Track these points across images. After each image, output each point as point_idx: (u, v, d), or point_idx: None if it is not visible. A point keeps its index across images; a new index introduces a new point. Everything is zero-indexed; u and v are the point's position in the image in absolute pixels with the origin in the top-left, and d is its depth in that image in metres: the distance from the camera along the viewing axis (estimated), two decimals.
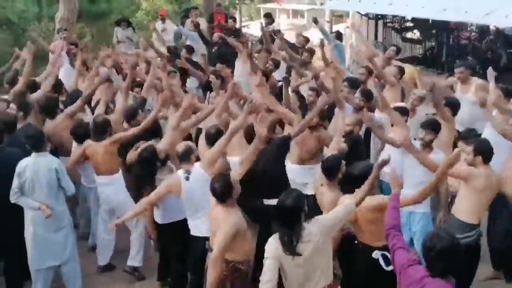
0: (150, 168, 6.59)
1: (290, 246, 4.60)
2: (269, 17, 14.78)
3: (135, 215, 6.30)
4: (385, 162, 5.33)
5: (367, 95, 8.01)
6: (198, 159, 6.38)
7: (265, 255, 4.72)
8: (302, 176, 7.47)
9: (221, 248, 5.15)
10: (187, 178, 6.05)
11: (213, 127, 6.89)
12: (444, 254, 3.95)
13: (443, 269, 3.99)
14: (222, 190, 5.25)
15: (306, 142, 7.49)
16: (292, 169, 7.49)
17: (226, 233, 5.14)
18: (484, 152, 5.89)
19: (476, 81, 8.86)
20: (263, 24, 13.43)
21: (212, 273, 5.18)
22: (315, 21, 12.32)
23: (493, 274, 7.02)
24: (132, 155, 7.02)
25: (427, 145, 6.58)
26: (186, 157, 6.22)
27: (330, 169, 5.98)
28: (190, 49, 12.11)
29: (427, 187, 5.32)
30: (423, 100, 8.24)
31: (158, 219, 6.57)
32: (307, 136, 7.47)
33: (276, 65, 10.74)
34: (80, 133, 7.39)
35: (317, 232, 4.67)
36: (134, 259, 7.34)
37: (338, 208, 5.01)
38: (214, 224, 5.37)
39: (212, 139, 6.64)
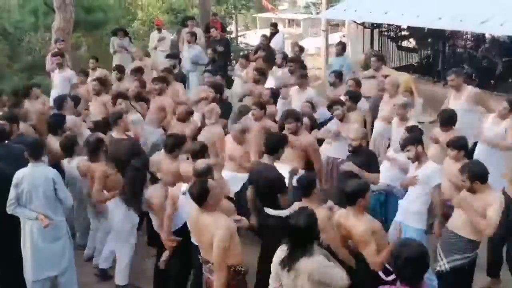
0: (141, 179, 6.60)
1: (290, 262, 4.73)
2: (275, 27, 14.89)
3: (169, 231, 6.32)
4: None
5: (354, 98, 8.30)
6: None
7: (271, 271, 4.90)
8: None
9: (222, 254, 5.14)
10: (183, 193, 6.09)
11: (198, 143, 6.99)
12: (409, 262, 4.13)
13: (409, 277, 4.18)
14: (198, 194, 5.28)
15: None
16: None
17: (223, 238, 5.14)
18: (480, 176, 5.85)
19: (468, 89, 8.87)
20: (269, 34, 13.71)
21: (219, 279, 5.17)
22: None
23: (490, 283, 7.02)
24: None
25: (417, 158, 6.62)
26: (205, 175, 6.09)
27: (305, 186, 6.04)
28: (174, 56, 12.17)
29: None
30: (406, 106, 8.28)
31: (157, 228, 6.54)
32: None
33: (263, 73, 10.76)
34: (68, 145, 7.43)
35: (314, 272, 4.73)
36: (120, 277, 7.22)
37: (334, 273, 4.89)
38: (204, 234, 5.33)
39: (197, 156, 6.63)
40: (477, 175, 5.83)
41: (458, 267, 5.97)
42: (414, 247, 4.19)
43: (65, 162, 7.59)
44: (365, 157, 7.14)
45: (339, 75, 10.53)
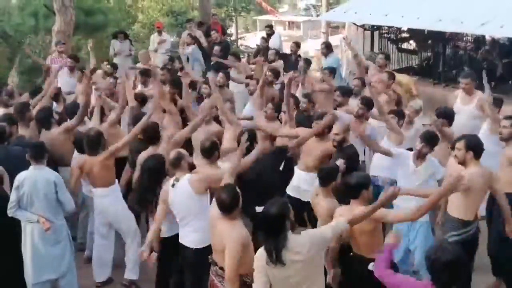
0: (158, 177, 6.45)
1: (273, 255, 4.55)
2: (270, 28, 14.89)
3: (154, 238, 6.17)
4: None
5: (368, 104, 8.04)
6: (192, 166, 6.34)
7: (254, 267, 4.72)
8: (306, 183, 7.44)
9: (234, 266, 5.00)
10: (173, 185, 6.02)
11: (207, 141, 6.70)
12: (448, 267, 4.00)
13: (447, 281, 4.05)
14: (230, 202, 5.12)
15: (311, 150, 7.51)
16: (298, 175, 7.58)
17: (235, 249, 5.01)
18: (475, 147, 5.93)
19: (479, 94, 8.79)
20: (265, 35, 13.63)
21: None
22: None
23: (494, 284, 7.01)
24: (137, 172, 7.05)
25: (422, 157, 6.64)
26: (177, 163, 6.13)
27: (325, 177, 6.08)
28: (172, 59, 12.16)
29: (423, 207, 5.25)
30: (419, 113, 8.31)
31: (162, 232, 6.52)
32: (313, 145, 7.50)
33: (276, 76, 10.68)
34: (81, 142, 7.34)
35: (306, 244, 4.61)
36: (131, 272, 7.33)
37: (328, 226, 4.91)
38: (218, 240, 5.25)
39: (207, 153, 6.57)
40: (472, 145, 5.89)
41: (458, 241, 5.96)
42: (451, 251, 4.08)
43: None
44: (347, 153, 7.09)
45: (333, 71, 10.59)
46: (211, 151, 6.54)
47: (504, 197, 6.23)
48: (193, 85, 10.35)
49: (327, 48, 12.46)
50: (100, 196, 7.21)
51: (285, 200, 4.89)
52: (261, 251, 4.68)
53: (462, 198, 6.03)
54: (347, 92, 9.02)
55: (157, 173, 6.44)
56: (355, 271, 5.58)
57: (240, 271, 5.14)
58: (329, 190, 6.09)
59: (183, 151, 6.33)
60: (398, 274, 4.68)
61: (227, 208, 5.13)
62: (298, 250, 4.57)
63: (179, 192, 5.94)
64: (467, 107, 8.72)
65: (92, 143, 7.09)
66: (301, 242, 4.60)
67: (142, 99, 9.20)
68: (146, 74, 10.73)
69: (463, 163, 5.99)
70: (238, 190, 5.24)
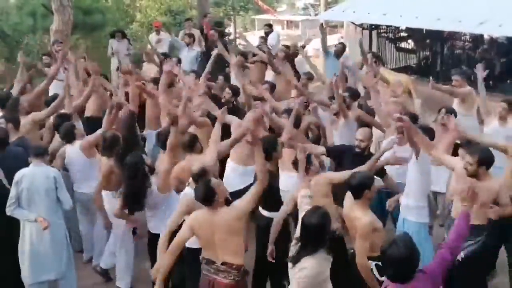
0: (141, 177, 6.44)
1: (297, 258, 4.78)
2: (270, 27, 14.86)
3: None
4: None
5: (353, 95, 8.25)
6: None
7: None
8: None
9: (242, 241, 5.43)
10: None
11: (186, 135, 7.04)
12: (398, 261, 4.07)
13: (400, 275, 4.13)
14: (205, 194, 5.28)
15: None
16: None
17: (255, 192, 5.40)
18: (488, 162, 5.89)
19: (472, 90, 8.84)
20: (264, 34, 13.58)
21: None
22: (322, 28, 11.86)
23: None
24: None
25: (418, 153, 6.59)
26: (191, 147, 6.54)
27: (357, 187, 5.67)
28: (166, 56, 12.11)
29: None
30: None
31: (152, 228, 6.56)
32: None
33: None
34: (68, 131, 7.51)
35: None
36: (121, 280, 7.29)
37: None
38: (214, 232, 5.30)
39: (189, 146, 6.81)
40: (485, 160, 5.85)
41: (470, 254, 5.94)
42: (403, 246, 4.10)
43: (67, 148, 7.57)
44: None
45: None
46: (193, 144, 6.79)
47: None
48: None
49: (344, 49, 12.46)
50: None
51: (326, 211, 4.95)
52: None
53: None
54: (354, 95, 8.98)
55: (139, 170, 6.45)
56: (356, 268, 5.56)
57: (239, 261, 5.35)
58: (366, 201, 5.71)
59: (208, 168, 6.28)
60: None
61: (204, 200, 5.31)
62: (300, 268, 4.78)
63: None
64: (462, 104, 8.73)
65: (110, 144, 7.17)
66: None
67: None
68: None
69: (474, 176, 5.94)
70: (211, 184, 5.31)
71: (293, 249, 4.96)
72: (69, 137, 7.52)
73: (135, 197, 6.45)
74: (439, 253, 4.50)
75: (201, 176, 5.94)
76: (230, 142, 7.18)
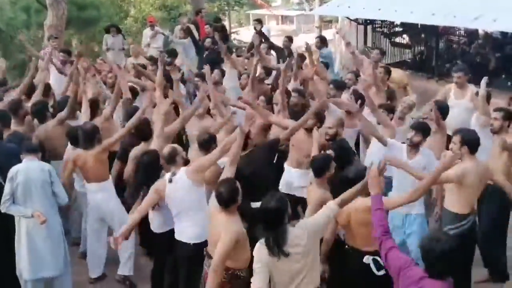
0: (154, 173, 6.46)
1: (275, 248, 4.60)
2: (259, 22, 14.84)
3: (132, 228, 6.10)
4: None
5: (360, 97, 8.01)
6: (186, 161, 6.31)
7: (254, 260, 4.74)
8: (299, 179, 7.46)
9: (222, 256, 5.06)
10: (170, 180, 5.99)
11: (205, 134, 6.85)
12: (443, 256, 3.99)
13: (442, 271, 4.04)
14: (228, 196, 5.18)
15: (302, 145, 7.49)
16: (290, 172, 7.57)
17: (227, 242, 5.07)
18: (471, 142, 5.94)
19: (472, 88, 8.85)
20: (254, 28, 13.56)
21: (212, 280, 5.10)
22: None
23: (489, 276, 7.06)
24: (130, 167, 7.08)
25: (414, 146, 6.62)
26: (172, 159, 6.15)
27: (318, 167, 6.13)
28: (172, 53, 12.09)
29: (420, 187, 5.36)
30: (412, 108, 8.31)
31: (155, 228, 6.51)
32: (303, 140, 7.46)
33: (268, 73, 10.76)
34: (75, 136, 7.33)
35: (303, 235, 4.68)
36: (125, 268, 7.30)
37: (320, 212, 4.95)
38: (214, 233, 5.28)
39: (205, 146, 6.66)
40: (467, 140, 5.90)
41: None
42: (445, 241, 4.07)
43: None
44: (339, 148, 7.02)
45: (326, 65, 10.67)
46: (209, 144, 6.63)
47: (508, 185, 6.37)
48: (183, 80, 10.39)
49: (322, 42, 12.42)
50: (93, 192, 7.17)
51: (283, 194, 4.93)
52: (261, 244, 4.70)
53: (456, 192, 6.09)
54: (340, 86, 9.04)
55: (153, 168, 6.48)
56: (351, 263, 5.58)
57: (232, 265, 5.22)
58: (323, 181, 6.11)
59: (177, 146, 6.34)
60: (392, 241, 4.61)
61: (225, 202, 5.20)
62: (296, 243, 4.64)
63: (179, 186, 5.95)
64: (461, 101, 8.72)
65: (87, 137, 7.04)
66: (297, 234, 4.66)
67: (133, 93, 9.20)
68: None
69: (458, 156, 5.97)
70: (238, 185, 5.28)
71: (261, 247, 4.76)
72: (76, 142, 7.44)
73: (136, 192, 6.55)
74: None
75: (172, 157, 6.06)
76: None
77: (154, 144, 7.11)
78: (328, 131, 7.17)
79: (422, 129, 6.65)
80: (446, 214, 6.28)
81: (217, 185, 5.36)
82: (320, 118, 7.57)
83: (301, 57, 10.89)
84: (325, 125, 7.32)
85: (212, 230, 5.38)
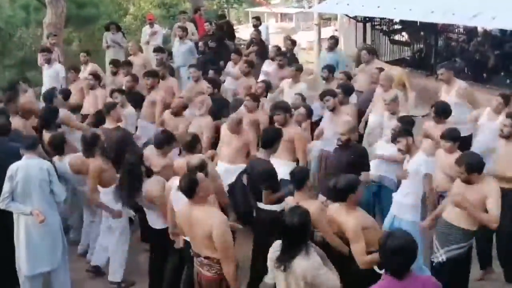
0: (137, 174, 6.51)
1: (285, 265, 4.73)
2: (258, 20, 14.84)
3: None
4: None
5: (347, 90, 8.24)
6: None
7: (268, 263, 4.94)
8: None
9: (227, 248, 5.15)
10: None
11: (188, 135, 7.02)
12: (396, 253, 4.06)
13: (395, 268, 4.12)
14: (187, 186, 5.23)
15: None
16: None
17: (223, 234, 5.12)
18: (477, 167, 5.82)
19: (458, 83, 8.96)
20: (252, 27, 13.57)
21: (229, 272, 5.18)
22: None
23: (481, 275, 7.09)
24: None
25: (408, 151, 6.67)
26: (192, 147, 6.42)
27: (298, 180, 6.06)
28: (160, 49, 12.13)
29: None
30: (396, 100, 8.32)
31: (155, 223, 6.54)
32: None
33: (250, 65, 10.90)
34: (56, 143, 7.46)
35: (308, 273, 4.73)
36: (116, 275, 7.27)
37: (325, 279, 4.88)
38: (193, 227, 5.28)
39: (190, 148, 6.74)
40: (474, 167, 5.80)
41: (455, 257, 5.95)
42: (401, 237, 4.12)
43: (55, 160, 7.51)
44: (354, 152, 7.11)
45: (332, 69, 10.54)
46: (193, 145, 6.72)
47: None
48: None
49: (336, 44, 12.46)
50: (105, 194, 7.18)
51: (306, 210, 4.94)
52: (273, 251, 4.87)
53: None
54: (348, 90, 9.01)
55: (136, 171, 6.53)
56: (354, 263, 5.56)
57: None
58: (351, 203, 5.76)
59: (209, 154, 6.37)
60: None
61: (185, 192, 5.26)
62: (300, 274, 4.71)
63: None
64: (449, 96, 8.77)
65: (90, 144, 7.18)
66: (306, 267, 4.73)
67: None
68: (129, 65, 11.08)
69: (468, 183, 5.92)
70: (196, 177, 5.31)
71: (274, 255, 4.88)
72: (58, 150, 7.51)
73: (128, 192, 6.52)
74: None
75: (200, 169, 5.96)
76: None
77: None
78: (340, 137, 7.13)
79: (402, 135, 6.72)
80: (453, 231, 5.99)
81: (179, 179, 5.46)
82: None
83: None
84: (336, 131, 7.28)
85: (192, 229, 5.33)
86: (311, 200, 5.84)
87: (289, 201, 6.09)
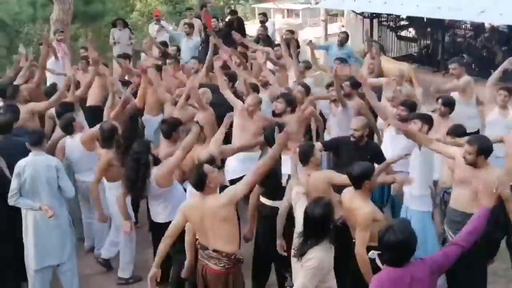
0: (144, 164, 6.39)
1: (301, 251, 4.82)
2: (264, 16, 14.82)
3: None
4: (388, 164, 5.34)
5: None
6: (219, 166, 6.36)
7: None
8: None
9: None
10: None
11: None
12: (390, 248, 4.13)
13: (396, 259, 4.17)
14: (197, 180, 5.28)
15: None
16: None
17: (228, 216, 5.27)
18: (487, 151, 5.84)
19: (469, 79, 8.89)
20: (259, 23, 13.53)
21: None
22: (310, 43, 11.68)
23: None
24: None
25: (402, 121, 6.77)
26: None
27: (303, 155, 6.12)
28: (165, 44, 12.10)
29: None
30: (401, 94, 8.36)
31: (161, 218, 6.53)
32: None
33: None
34: (67, 124, 7.49)
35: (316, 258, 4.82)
36: (124, 271, 7.30)
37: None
38: (204, 218, 5.28)
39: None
40: (484, 149, 5.81)
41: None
42: (397, 231, 4.13)
43: (67, 139, 7.55)
44: (369, 150, 7.04)
45: (344, 61, 10.51)
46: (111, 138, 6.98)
47: None
48: None
49: (347, 38, 12.44)
50: (111, 189, 7.21)
51: (329, 201, 4.99)
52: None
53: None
54: (356, 84, 8.93)
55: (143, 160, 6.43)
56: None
57: (230, 249, 5.31)
58: (366, 191, 5.75)
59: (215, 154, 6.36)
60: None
61: (196, 185, 5.31)
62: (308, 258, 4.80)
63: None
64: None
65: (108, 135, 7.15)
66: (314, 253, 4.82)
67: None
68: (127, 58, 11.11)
69: (473, 165, 5.93)
70: (204, 169, 5.32)
71: (296, 242, 5.00)
72: (68, 129, 7.51)
73: (134, 184, 6.42)
74: (445, 250, 4.52)
75: (210, 164, 5.96)
76: (236, 148, 7.31)
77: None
78: (354, 133, 7.08)
79: (421, 118, 6.79)
80: (462, 218, 5.93)
81: (188, 175, 5.56)
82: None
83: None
84: (350, 127, 7.25)
85: (203, 219, 5.32)
86: (366, 202, 5.65)
87: (300, 176, 6.03)
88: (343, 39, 12.26)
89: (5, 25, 19.27)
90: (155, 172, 6.38)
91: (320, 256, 4.81)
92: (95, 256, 7.65)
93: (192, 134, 6.54)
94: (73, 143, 7.47)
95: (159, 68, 9.83)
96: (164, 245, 5.42)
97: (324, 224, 4.83)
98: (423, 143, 6.35)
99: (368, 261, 5.26)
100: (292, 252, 5.06)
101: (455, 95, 8.57)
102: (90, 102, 10.07)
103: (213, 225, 5.26)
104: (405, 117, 7.21)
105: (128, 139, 7.22)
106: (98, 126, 7.39)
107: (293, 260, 5.04)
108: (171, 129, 7.14)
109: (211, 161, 5.97)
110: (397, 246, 4.10)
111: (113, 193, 7.07)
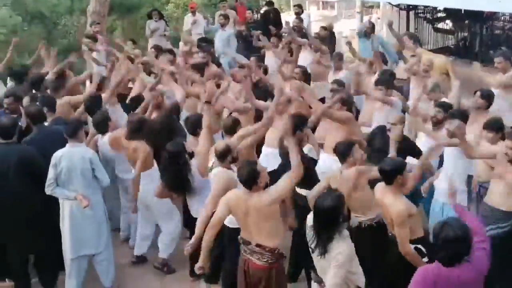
0: (182, 164, 6.53)
1: (321, 248, 4.82)
2: (299, 7, 14.75)
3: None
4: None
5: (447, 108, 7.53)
6: (234, 160, 6.33)
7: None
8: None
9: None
10: (210, 169, 6.29)
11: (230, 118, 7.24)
12: (448, 243, 4.08)
13: (449, 256, 4.12)
14: (247, 177, 5.24)
15: (334, 132, 7.50)
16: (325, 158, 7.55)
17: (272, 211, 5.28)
18: None
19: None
20: (294, 15, 13.46)
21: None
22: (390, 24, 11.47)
23: None
24: None
25: (438, 123, 6.87)
26: (232, 130, 6.70)
27: (341, 153, 6.16)
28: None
29: None
30: (437, 89, 8.26)
31: (196, 213, 6.56)
32: (335, 127, 7.53)
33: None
34: (101, 121, 7.53)
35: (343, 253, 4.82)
36: (165, 252, 7.37)
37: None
38: (248, 214, 5.28)
39: (230, 130, 6.93)
40: None
41: (492, 236, 5.80)
42: (454, 227, 4.10)
43: (99, 138, 7.65)
44: (404, 146, 6.95)
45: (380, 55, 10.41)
46: (234, 128, 6.95)
47: None
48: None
49: (373, 28, 12.31)
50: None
51: (340, 193, 4.99)
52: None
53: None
54: (386, 79, 8.76)
55: (180, 158, 6.55)
56: (393, 251, 5.54)
57: (274, 243, 5.30)
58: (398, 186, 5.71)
59: (231, 144, 6.38)
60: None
61: (246, 182, 5.27)
62: (334, 255, 4.78)
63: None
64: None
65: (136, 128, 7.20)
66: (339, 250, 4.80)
67: None
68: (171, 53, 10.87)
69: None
70: (257, 167, 5.31)
71: (310, 234, 4.99)
72: (100, 127, 7.59)
73: (177, 183, 6.60)
74: (483, 248, 4.45)
75: (224, 154, 6.11)
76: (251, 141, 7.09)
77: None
78: (392, 127, 6.97)
79: (458, 117, 6.59)
80: (493, 213, 6.04)
81: (237, 168, 5.49)
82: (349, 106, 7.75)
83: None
84: (387, 121, 7.20)
85: (246, 215, 5.33)
86: (399, 197, 5.60)
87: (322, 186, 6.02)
88: (369, 30, 12.10)
89: (43, 17, 19.50)
90: (194, 163, 6.54)
91: (344, 248, 4.80)
92: (130, 247, 7.72)
93: (263, 121, 6.80)
94: (103, 142, 7.58)
95: (196, 67, 9.85)
96: (208, 236, 5.39)
97: (334, 216, 4.80)
98: (468, 156, 6.29)
99: (417, 255, 5.23)
100: (310, 248, 5.02)
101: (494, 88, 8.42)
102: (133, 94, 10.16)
103: (256, 222, 5.26)
104: (440, 120, 7.12)
105: (164, 135, 7.35)
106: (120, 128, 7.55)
107: (316, 257, 5.00)
108: (195, 126, 7.25)
109: (226, 151, 6.07)
110: (455, 242, 4.06)
111: (146, 182, 7.13)
